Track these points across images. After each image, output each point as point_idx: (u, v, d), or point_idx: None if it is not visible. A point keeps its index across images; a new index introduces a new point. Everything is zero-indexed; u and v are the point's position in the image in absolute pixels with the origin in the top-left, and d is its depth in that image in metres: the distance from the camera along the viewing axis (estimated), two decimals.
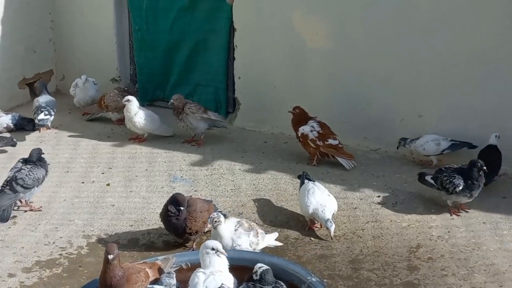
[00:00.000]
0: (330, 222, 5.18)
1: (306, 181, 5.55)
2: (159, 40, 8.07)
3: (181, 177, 6.39)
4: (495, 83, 6.33)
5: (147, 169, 6.57)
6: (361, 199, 5.93)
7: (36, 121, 7.43)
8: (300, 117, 6.81)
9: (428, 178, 5.79)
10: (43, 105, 7.51)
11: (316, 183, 5.56)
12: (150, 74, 8.19)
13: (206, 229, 5.15)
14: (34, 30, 8.48)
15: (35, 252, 5.08)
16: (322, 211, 5.22)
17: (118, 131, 7.53)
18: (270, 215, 5.65)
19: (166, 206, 5.08)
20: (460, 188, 5.49)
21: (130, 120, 7.12)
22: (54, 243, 5.21)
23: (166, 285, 4.07)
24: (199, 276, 4.07)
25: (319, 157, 6.68)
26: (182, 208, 4.98)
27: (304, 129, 6.70)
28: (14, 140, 6.99)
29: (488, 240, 5.24)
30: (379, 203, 5.85)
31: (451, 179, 5.51)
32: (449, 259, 4.98)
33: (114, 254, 3.98)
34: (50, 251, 5.10)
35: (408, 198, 5.92)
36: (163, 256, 4.44)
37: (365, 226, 5.46)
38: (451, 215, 5.63)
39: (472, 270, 4.83)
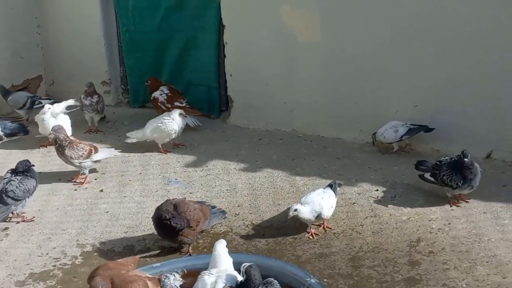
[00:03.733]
0: (294, 210, 5.06)
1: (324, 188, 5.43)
2: (148, 40, 7.95)
3: (176, 179, 6.28)
4: (491, 71, 6.19)
5: (140, 173, 6.46)
6: (359, 193, 5.83)
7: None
8: (153, 86, 7.59)
9: (428, 176, 5.67)
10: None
11: (326, 189, 5.37)
12: (140, 75, 8.05)
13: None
14: (21, 36, 8.36)
15: (28, 264, 4.97)
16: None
17: (110, 135, 7.42)
18: (267, 214, 5.54)
19: (159, 215, 4.95)
20: (461, 182, 5.39)
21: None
22: (47, 254, 5.10)
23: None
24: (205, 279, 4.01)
25: None
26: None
27: (155, 94, 7.50)
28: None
29: (489, 230, 5.13)
30: (377, 197, 5.74)
31: (451, 177, 5.39)
32: (450, 252, 4.88)
33: None
34: (44, 262, 4.99)
35: (407, 191, 5.82)
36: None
37: (364, 222, 5.36)
38: (451, 206, 5.52)
39: (474, 262, 4.73)
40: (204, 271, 4.15)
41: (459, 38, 6.24)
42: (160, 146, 6.92)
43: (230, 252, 4.46)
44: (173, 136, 6.87)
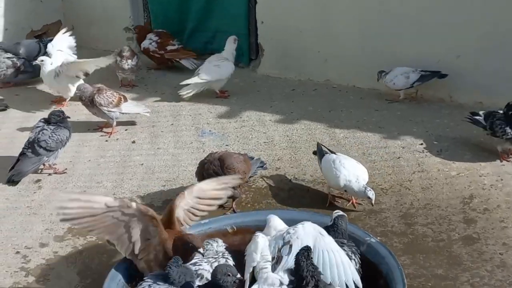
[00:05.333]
0: (369, 188, 4.58)
1: (327, 154, 4.91)
2: None
3: (210, 131, 6.04)
4: None
5: (172, 124, 6.22)
6: (403, 147, 5.60)
7: None
8: (141, 34, 7.47)
9: (481, 113, 5.44)
10: None
11: (339, 154, 4.93)
12: (165, 22, 7.75)
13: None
14: None
15: None
16: (356, 181, 4.60)
17: (138, 84, 7.17)
18: (310, 169, 5.31)
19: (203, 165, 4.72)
20: (509, 136, 5.17)
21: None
22: None
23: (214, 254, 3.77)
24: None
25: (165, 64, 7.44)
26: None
27: (144, 43, 7.35)
28: (6, 103, 6.66)
29: None
30: (423, 151, 5.51)
31: (502, 126, 5.18)
32: (507, 209, 4.66)
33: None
34: None
35: (453, 145, 5.59)
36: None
37: (412, 177, 5.14)
38: (501, 161, 5.30)
39: None
40: (259, 232, 3.92)
41: None
42: (218, 91, 6.69)
43: (279, 209, 4.28)
44: (230, 76, 6.64)
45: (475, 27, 6.15)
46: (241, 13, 7.32)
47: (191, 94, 6.55)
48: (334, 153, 4.91)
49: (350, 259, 3.61)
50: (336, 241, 3.65)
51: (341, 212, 3.87)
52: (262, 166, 5.17)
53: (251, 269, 3.62)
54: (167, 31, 7.53)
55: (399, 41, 6.54)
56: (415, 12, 6.39)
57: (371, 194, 4.58)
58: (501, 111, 5.33)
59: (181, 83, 6.56)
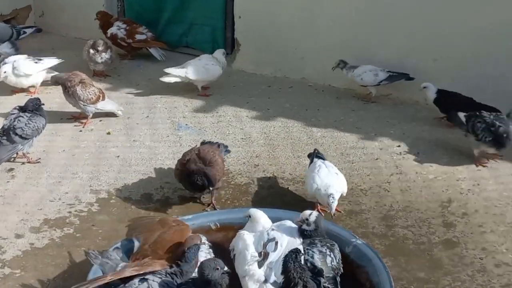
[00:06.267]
0: (332, 197, 4.38)
1: (315, 159, 4.82)
2: None
3: (186, 125, 5.96)
4: None
5: (147, 116, 6.12)
6: (381, 148, 5.61)
7: None
8: (105, 20, 7.31)
9: (461, 115, 5.44)
10: None
11: (326, 161, 4.78)
12: (140, 11, 7.66)
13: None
14: None
15: (40, 209, 4.64)
16: (325, 190, 4.44)
17: (112, 74, 7.03)
18: (289, 167, 5.28)
19: (186, 170, 4.62)
20: (490, 139, 5.22)
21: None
22: (60, 199, 4.78)
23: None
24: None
25: (131, 53, 7.36)
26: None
27: (112, 29, 7.19)
28: None
29: None
30: (400, 153, 5.53)
31: (482, 129, 5.22)
32: (484, 214, 4.72)
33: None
34: (58, 208, 4.66)
35: (430, 148, 5.62)
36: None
37: (390, 179, 5.15)
38: (477, 166, 5.35)
39: (510, 226, 4.57)
40: (243, 230, 3.88)
41: None
42: (200, 89, 6.56)
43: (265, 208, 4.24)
44: (216, 78, 6.52)
45: (455, 32, 6.19)
46: (219, 6, 7.25)
47: (172, 81, 6.43)
48: (323, 161, 4.79)
49: (326, 255, 3.62)
50: (311, 240, 3.70)
51: (315, 213, 3.83)
52: (227, 151, 5.19)
53: (245, 267, 3.59)
54: (132, 19, 7.44)
55: (378, 42, 6.56)
56: (395, 15, 6.41)
57: (332, 203, 4.37)
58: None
59: (165, 70, 6.42)
